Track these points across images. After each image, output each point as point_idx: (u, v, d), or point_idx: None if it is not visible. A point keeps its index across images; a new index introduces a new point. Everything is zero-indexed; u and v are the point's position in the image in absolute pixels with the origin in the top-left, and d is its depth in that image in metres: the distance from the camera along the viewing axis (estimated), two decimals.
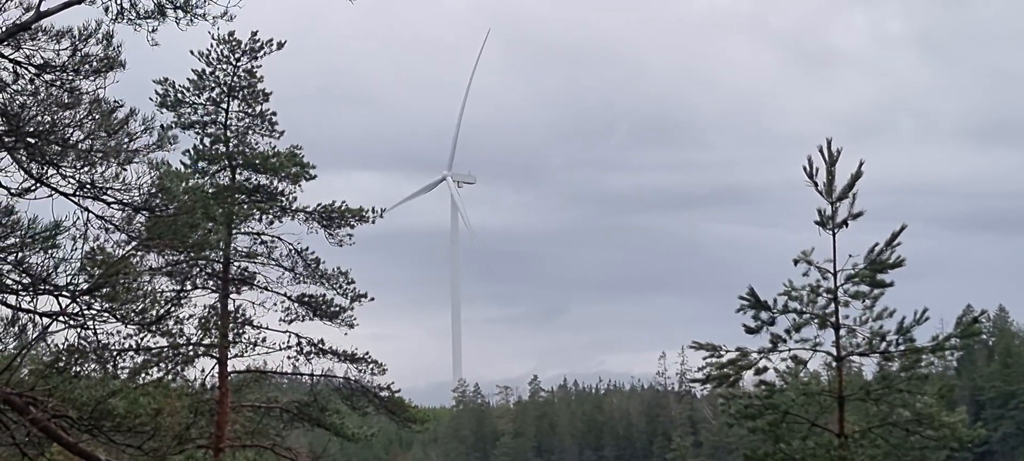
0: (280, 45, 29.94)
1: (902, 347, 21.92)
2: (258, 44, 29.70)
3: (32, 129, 15.20)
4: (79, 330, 16.54)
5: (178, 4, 15.19)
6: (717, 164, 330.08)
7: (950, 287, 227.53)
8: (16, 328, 15.88)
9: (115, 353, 18.68)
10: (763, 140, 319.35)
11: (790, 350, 22.38)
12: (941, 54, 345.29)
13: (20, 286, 15.78)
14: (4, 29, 14.65)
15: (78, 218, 15.90)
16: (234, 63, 29.91)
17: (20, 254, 15.48)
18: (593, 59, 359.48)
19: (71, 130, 15.53)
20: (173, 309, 20.34)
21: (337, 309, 32.12)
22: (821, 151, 21.93)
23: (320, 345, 32.09)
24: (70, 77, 15.47)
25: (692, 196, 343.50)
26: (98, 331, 16.87)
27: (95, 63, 15.51)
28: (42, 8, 14.59)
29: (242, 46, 29.63)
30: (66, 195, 15.87)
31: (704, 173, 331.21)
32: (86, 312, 16.21)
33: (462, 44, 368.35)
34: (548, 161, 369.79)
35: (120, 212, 16.36)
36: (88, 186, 15.94)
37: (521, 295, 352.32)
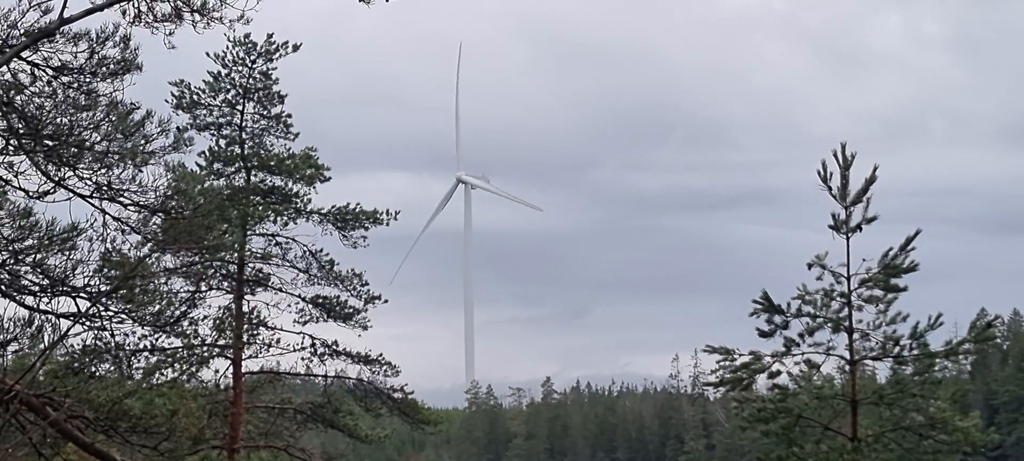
0: (296, 47, 30.10)
1: (916, 351, 21.90)
2: (273, 46, 29.83)
3: (50, 132, 15.30)
4: (96, 331, 16.62)
5: (195, 7, 15.26)
6: (746, 165, 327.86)
7: (971, 289, 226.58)
8: (33, 329, 15.97)
9: (130, 354, 18.79)
10: (794, 141, 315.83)
11: (803, 354, 22.37)
12: (975, 55, 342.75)
13: (38, 287, 15.89)
14: (26, 35, 14.75)
15: (95, 220, 16.01)
16: (249, 65, 30.04)
17: (38, 256, 15.59)
18: (622, 59, 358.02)
19: (88, 132, 15.62)
20: (188, 310, 20.46)
21: (351, 310, 32.23)
22: (835, 155, 21.93)
23: (334, 346, 32.20)
24: (87, 79, 15.56)
25: (720, 197, 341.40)
26: (114, 332, 16.97)
27: (112, 65, 15.59)
28: (65, 15, 14.68)
29: (257, 48, 29.77)
30: (83, 197, 15.96)
31: (732, 174, 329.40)
32: (103, 314, 16.31)
33: (492, 44, 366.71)
34: (575, 161, 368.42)
35: (136, 214, 16.45)
36: (105, 188, 16.03)
37: (545, 296, 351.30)
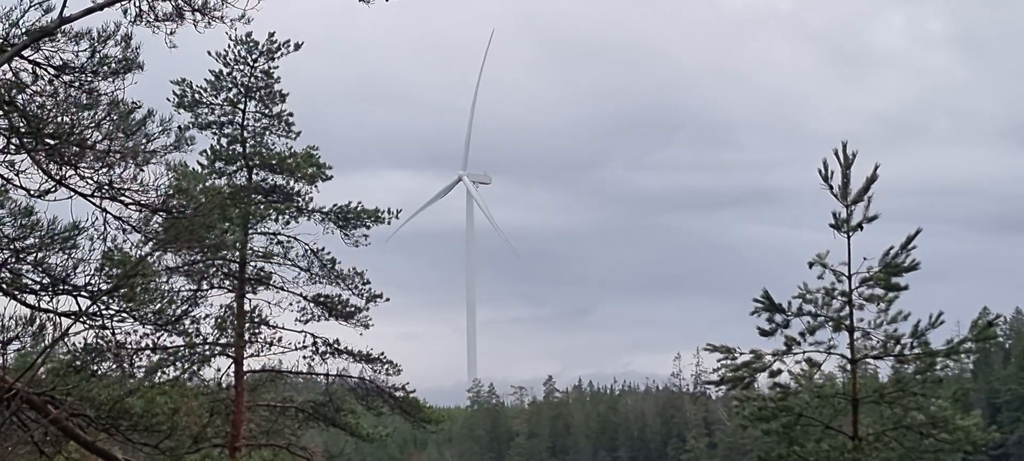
0: (297, 46, 30.14)
1: (917, 350, 21.91)
2: (275, 45, 29.87)
3: (51, 130, 15.31)
4: (97, 330, 16.64)
5: (196, 7, 15.28)
6: (750, 164, 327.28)
7: (973, 288, 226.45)
8: (34, 327, 15.98)
9: (132, 352, 18.81)
10: (798, 140, 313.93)
11: (804, 353, 22.39)
12: (980, 54, 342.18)
13: (40, 286, 15.91)
14: (27, 34, 14.77)
15: (96, 219, 16.02)
16: (251, 64, 30.09)
17: (40, 254, 15.60)
18: (626, 58, 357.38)
19: (90, 131, 15.63)
20: (190, 309, 20.49)
21: (353, 309, 32.26)
22: (836, 154, 21.94)
23: (336, 345, 32.24)
24: (89, 78, 15.57)
25: (723, 197, 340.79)
26: (115, 330, 16.99)
27: (114, 64, 15.60)
28: (66, 14, 14.71)
29: (259, 47, 29.82)
30: (85, 196, 15.97)
31: (736, 174, 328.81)
32: (104, 312, 16.32)
33: (494, 44, 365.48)
34: (578, 161, 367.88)
35: (138, 213, 16.46)
36: (106, 187, 16.03)
37: (549, 295, 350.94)
